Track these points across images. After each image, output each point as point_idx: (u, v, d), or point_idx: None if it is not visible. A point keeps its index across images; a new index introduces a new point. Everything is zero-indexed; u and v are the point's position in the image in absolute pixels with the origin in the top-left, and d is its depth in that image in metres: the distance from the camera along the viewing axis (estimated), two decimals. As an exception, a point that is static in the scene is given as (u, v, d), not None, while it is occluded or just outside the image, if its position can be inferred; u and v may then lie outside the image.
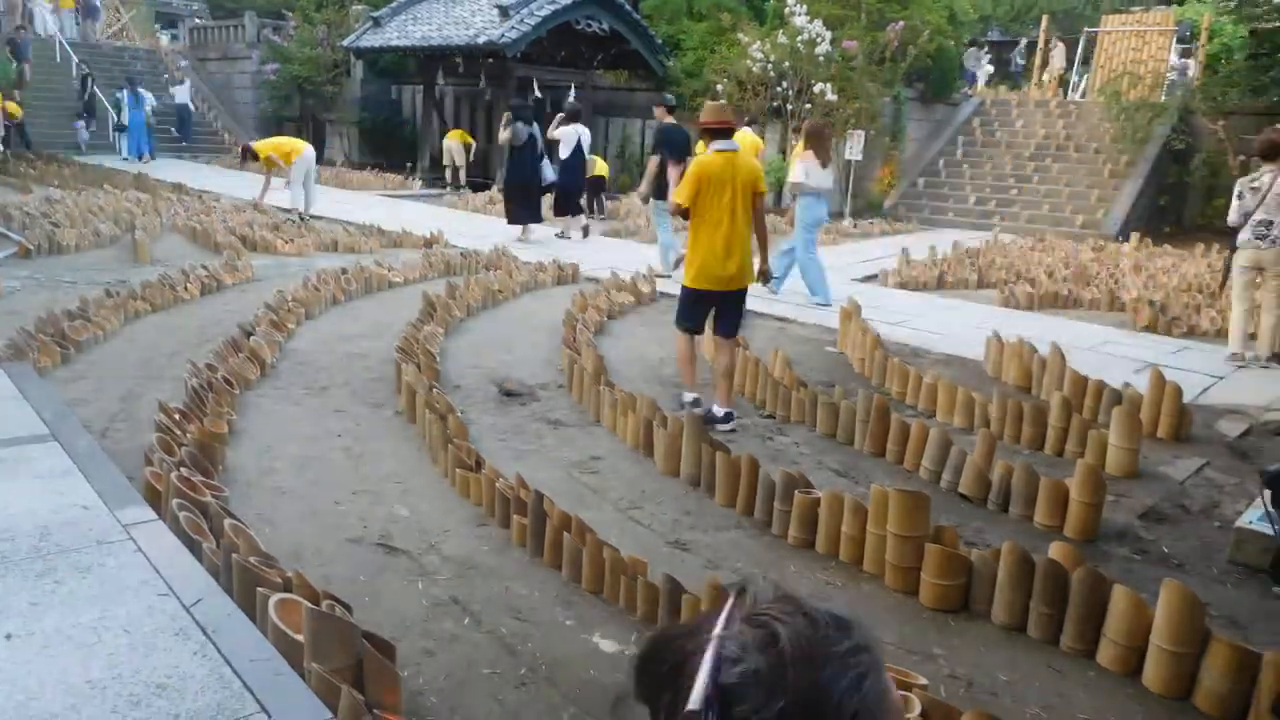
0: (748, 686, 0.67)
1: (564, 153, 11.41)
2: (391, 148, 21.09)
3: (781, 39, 15.87)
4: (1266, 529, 3.44)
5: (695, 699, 0.66)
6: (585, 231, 11.90)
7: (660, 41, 18.17)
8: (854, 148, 14.71)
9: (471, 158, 18.63)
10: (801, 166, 8.11)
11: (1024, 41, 22.02)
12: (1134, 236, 13.37)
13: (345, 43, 19.12)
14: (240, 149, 13.72)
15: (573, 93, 18.34)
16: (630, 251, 10.57)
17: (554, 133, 11.56)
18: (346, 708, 2.21)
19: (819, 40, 15.53)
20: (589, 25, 17.19)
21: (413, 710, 2.49)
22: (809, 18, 15.57)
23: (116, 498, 3.43)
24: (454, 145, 18.10)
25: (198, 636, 2.55)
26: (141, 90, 18.69)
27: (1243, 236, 6.49)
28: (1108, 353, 6.82)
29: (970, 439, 4.69)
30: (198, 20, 25.39)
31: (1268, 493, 3.38)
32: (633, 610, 3.04)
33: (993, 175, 16.71)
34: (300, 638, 2.45)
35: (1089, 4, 23.88)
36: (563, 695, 2.62)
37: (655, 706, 0.73)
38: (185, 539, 3.10)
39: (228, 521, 3.19)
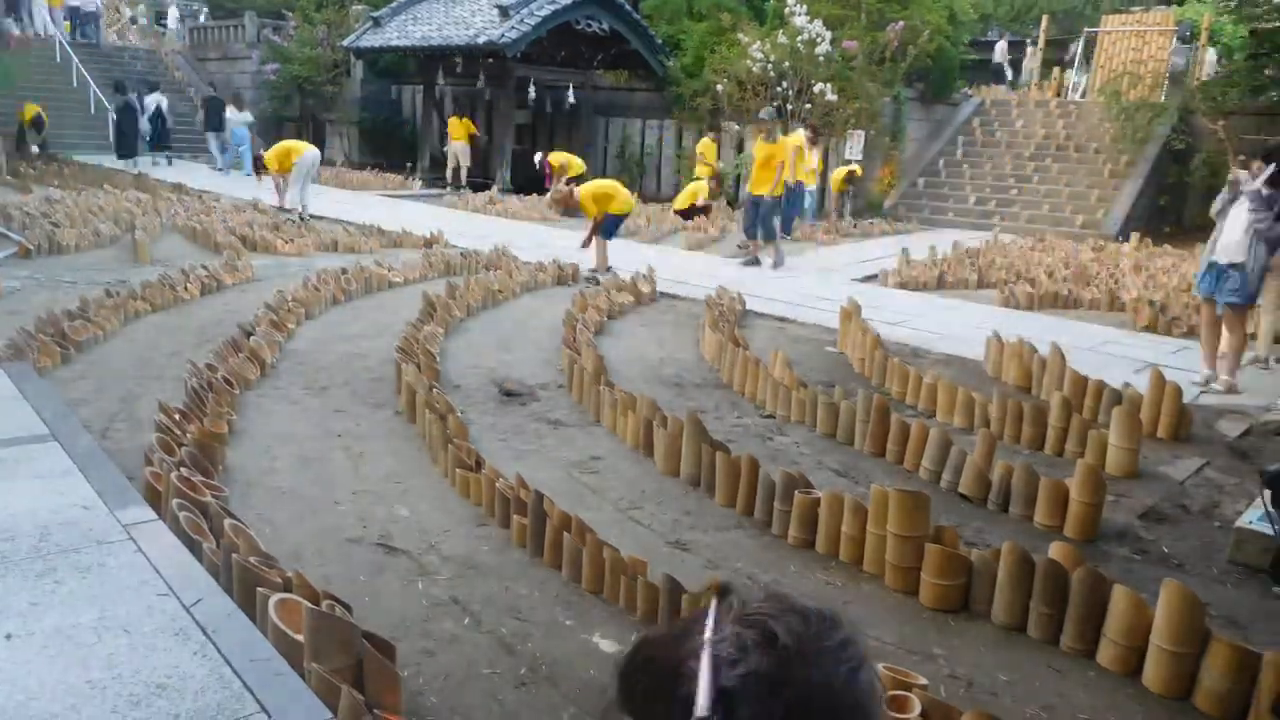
0: (749, 687, 0.66)
1: None
2: (391, 148, 21.09)
3: (781, 39, 15.87)
4: (1266, 529, 3.44)
5: (702, 705, 0.66)
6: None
7: (660, 41, 18.17)
8: (854, 148, 14.71)
9: (475, 146, 18.53)
10: None
11: (1007, 42, 22.00)
12: (1134, 236, 13.37)
13: (345, 43, 19.12)
14: (254, 161, 13.85)
15: (571, 93, 18.38)
16: (631, 252, 10.56)
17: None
18: (346, 708, 2.21)
19: (819, 40, 15.54)
20: (589, 25, 17.19)
21: (413, 710, 2.49)
22: (809, 18, 15.57)
23: (116, 498, 3.43)
24: (459, 146, 17.99)
25: (198, 636, 2.55)
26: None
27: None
28: (1108, 353, 6.82)
29: (970, 439, 4.69)
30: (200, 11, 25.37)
31: (1268, 493, 3.38)
32: (633, 610, 3.04)
33: (993, 175, 16.71)
34: (300, 638, 2.45)
35: (1089, 4, 23.87)
36: (563, 695, 2.62)
37: (640, 717, 0.72)
38: (185, 539, 3.10)
39: (228, 521, 3.19)
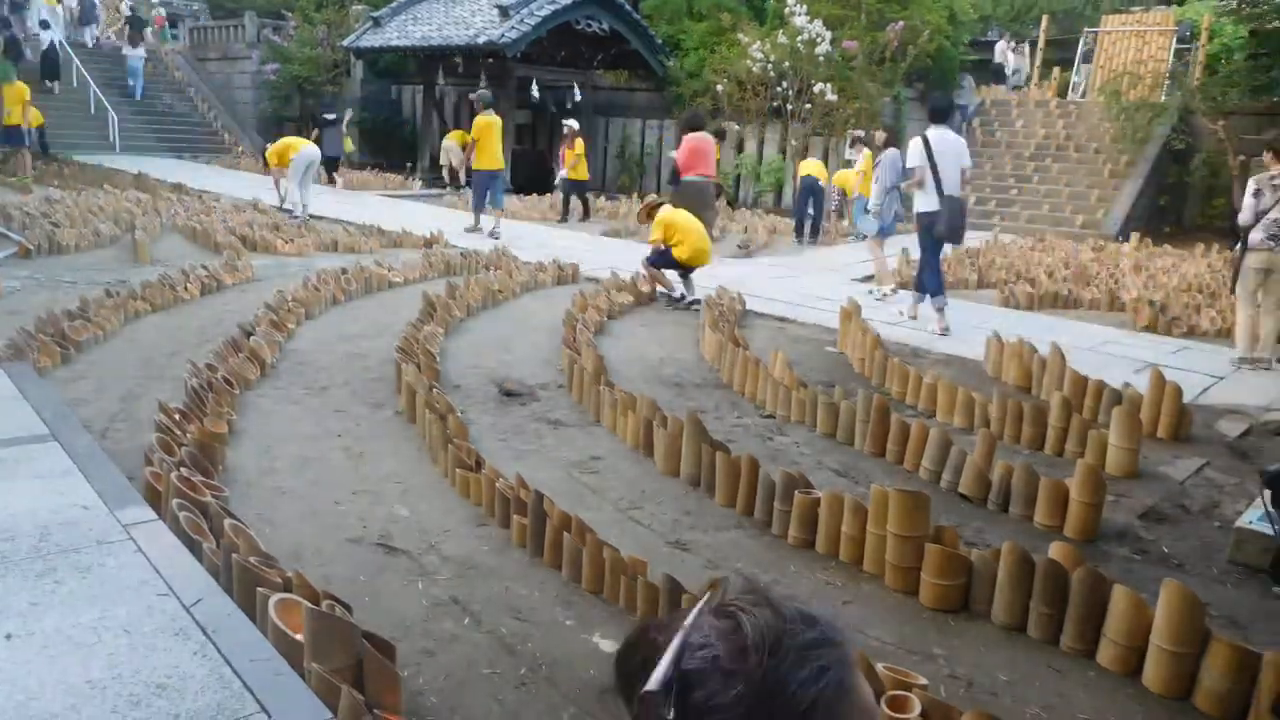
0: (706, 672, 0.68)
1: None
2: (391, 148, 21.10)
3: (781, 39, 15.88)
4: (1266, 529, 3.44)
5: (654, 680, 0.68)
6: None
7: (660, 41, 18.17)
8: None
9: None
10: None
11: (999, 42, 21.98)
12: (1134, 236, 13.38)
13: (345, 43, 19.13)
14: (263, 156, 14.15)
15: (576, 91, 18.37)
16: (631, 251, 10.56)
17: None
18: (346, 708, 2.21)
19: (819, 40, 15.55)
20: (589, 25, 17.20)
21: (413, 710, 2.49)
22: (809, 18, 15.59)
23: (116, 498, 3.43)
24: (451, 145, 17.82)
25: (198, 636, 2.55)
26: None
27: (1255, 237, 6.32)
28: (1108, 353, 6.82)
29: (970, 439, 4.69)
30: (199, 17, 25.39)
31: (1268, 493, 3.38)
32: (633, 610, 3.04)
33: (993, 175, 16.70)
34: (300, 638, 2.45)
35: (1089, 4, 23.87)
36: (563, 695, 2.62)
37: (630, 698, 0.74)
38: (185, 539, 3.10)
39: (228, 521, 3.19)
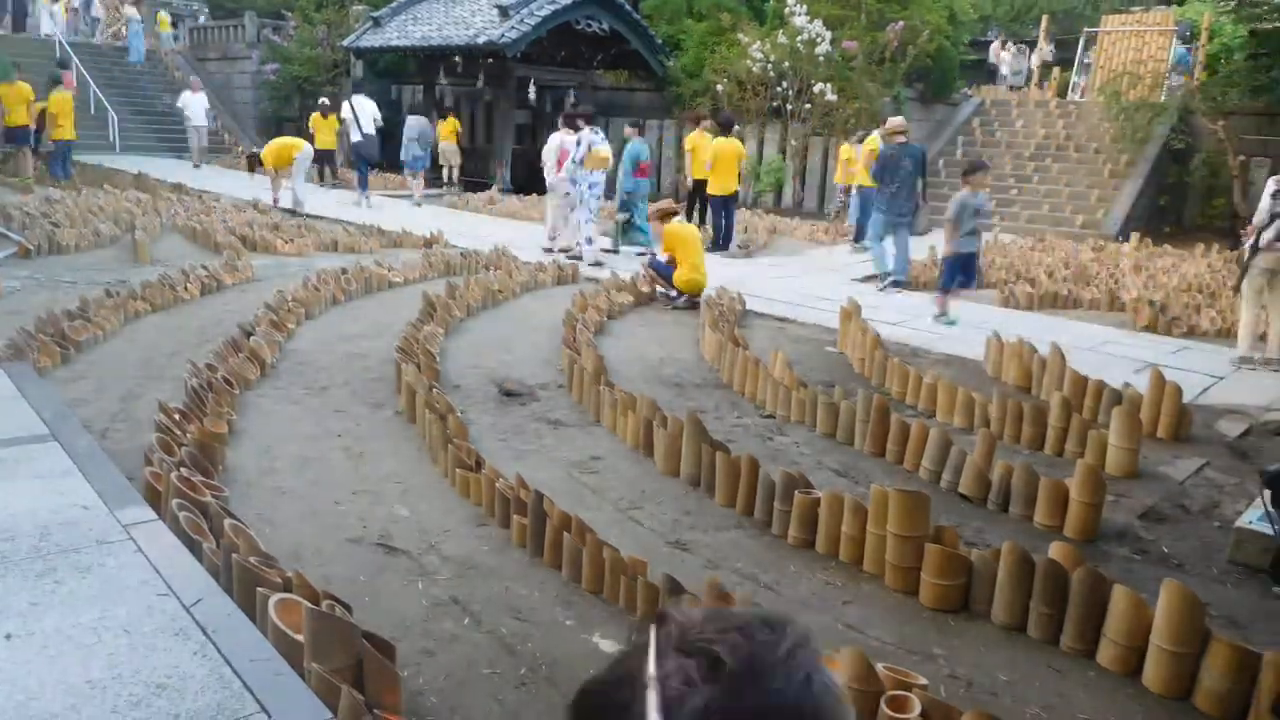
0: None
1: None
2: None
3: (781, 39, 15.88)
4: (1266, 529, 3.44)
5: None
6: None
7: (660, 41, 18.17)
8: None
9: (461, 145, 18.13)
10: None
11: (995, 42, 22.00)
12: (1134, 236, 13.37)
13: (345, 43, 19.13)
14: (247, 159, 14.17)
15: (572, 92, 18.36)
16: (630, 253, 10.57)
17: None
18: (346, 708, 2.21)
19: (819, 40, 15.55)
20: (589, 25, 17.20)
21: (413, 710, 2.49)
22: (809, 18, 15.59)
23: (116, 498, 3.43)
24: (449, 148, 17.65)
25: (198, 636, 2.55)
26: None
27: (1267, 237, 6.28)
28: (1108, 353, 6.82)
29: (970, 439, 4.69)
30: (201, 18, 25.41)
31: (1268, 493, 3.38)
32: (633, 610, 3.04)
33: (993, 175, 16.64)
34: (300, 638, 2.45)
35: (1089, 4, 23.88)
36: (563, 695, 2.62)
37: None
38: (185, 539, 3.10)
39: (228, 521, 3.19)
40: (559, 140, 10.38)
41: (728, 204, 11.57)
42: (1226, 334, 7.62)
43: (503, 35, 15.75)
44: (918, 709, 2.36)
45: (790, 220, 14.53)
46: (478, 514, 3.79)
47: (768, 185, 16.98)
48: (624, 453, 4.61)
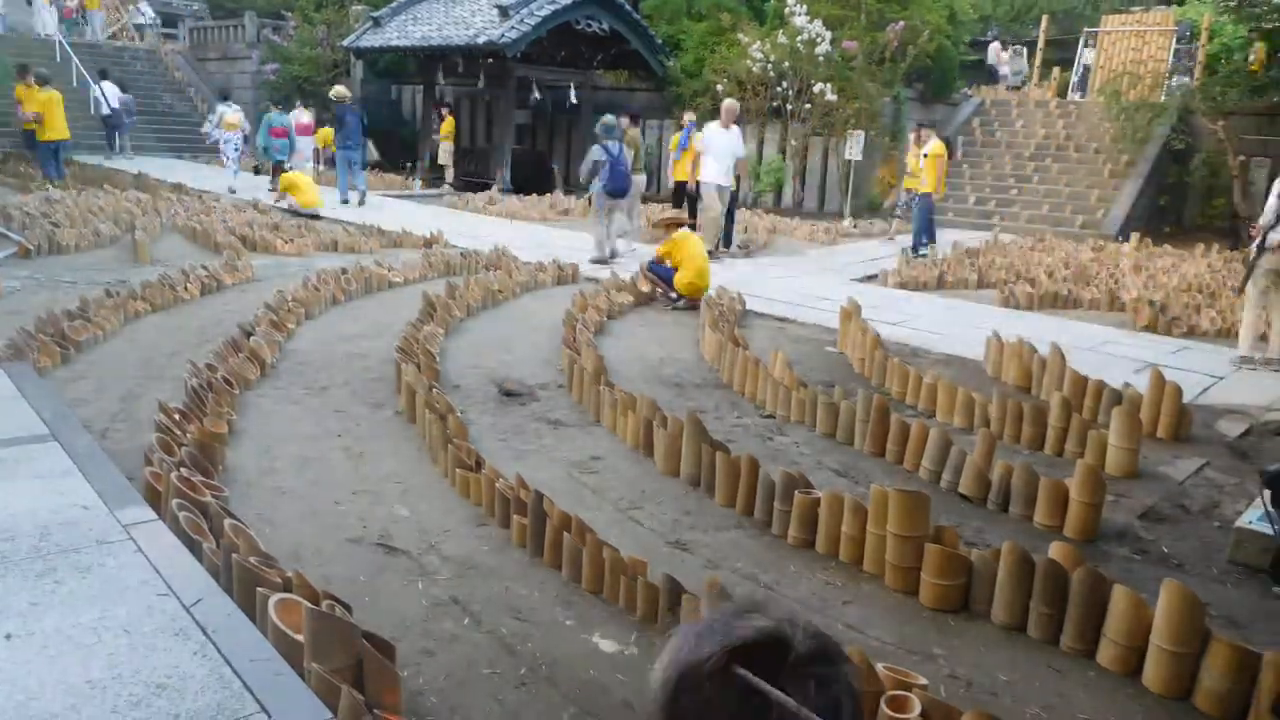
0: (841, 701, 0.74)
1: None
2: (391, 148, 21.09)
3: (781, 39, 15.88)
4: (1266, 529, 3.44)
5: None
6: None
7: (660, 41, 18.17)
8: (854, 148, 14.72)
9: (454, 149, 18.21)
10: None
11: (993, 43, 21.99)
12: (1134, 236, 13.37)
13: (345, 43, 19.12)
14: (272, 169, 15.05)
15: (572, 92, 18.36)
16: (630, 253, 10.57)
17: None
18: (346, 708, 2.21)
19: (819, 40, 15.55)
20: (589, 25, 17.19)
21: (413, 710, 2.49)
22: (809, 18, 15.58)
23: (116, 498, 3.43)
24: (446, 147, 17.86)
25: (198, 636, 2.55)
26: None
27: (1274, 238, 6.25)
28: (1108, 353, 6.82)
29: (970, 439, 4.69)
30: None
31: (1268, 493, 3.38)
32: (633, 610, 3.04)
33: (993, 175, 16.70)
34: (300, 638, 2.45)
35: (1089, 4, 23.88)
36: (563, 695, 2.62)
37: None
38: (185, 539, 3.10)
39: (228, 521, 3.19)
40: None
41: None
42: (1226, 334, 7.62)
43: (503, 35, 15.75)
44: (918, 709, 2.36)
45: (790, 220, 14.54)
46: (478, 514, 3.79)
47: (768, 185, 16.99)
48: (624, 453, 4.61)
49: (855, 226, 14.67)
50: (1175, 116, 15.46)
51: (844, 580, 3.40)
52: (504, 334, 6.89)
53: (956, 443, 4.34)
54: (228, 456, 4.18)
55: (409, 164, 19.89)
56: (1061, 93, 19.50)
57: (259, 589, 2.72)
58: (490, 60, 17.01)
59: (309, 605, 2.51)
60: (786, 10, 15.91)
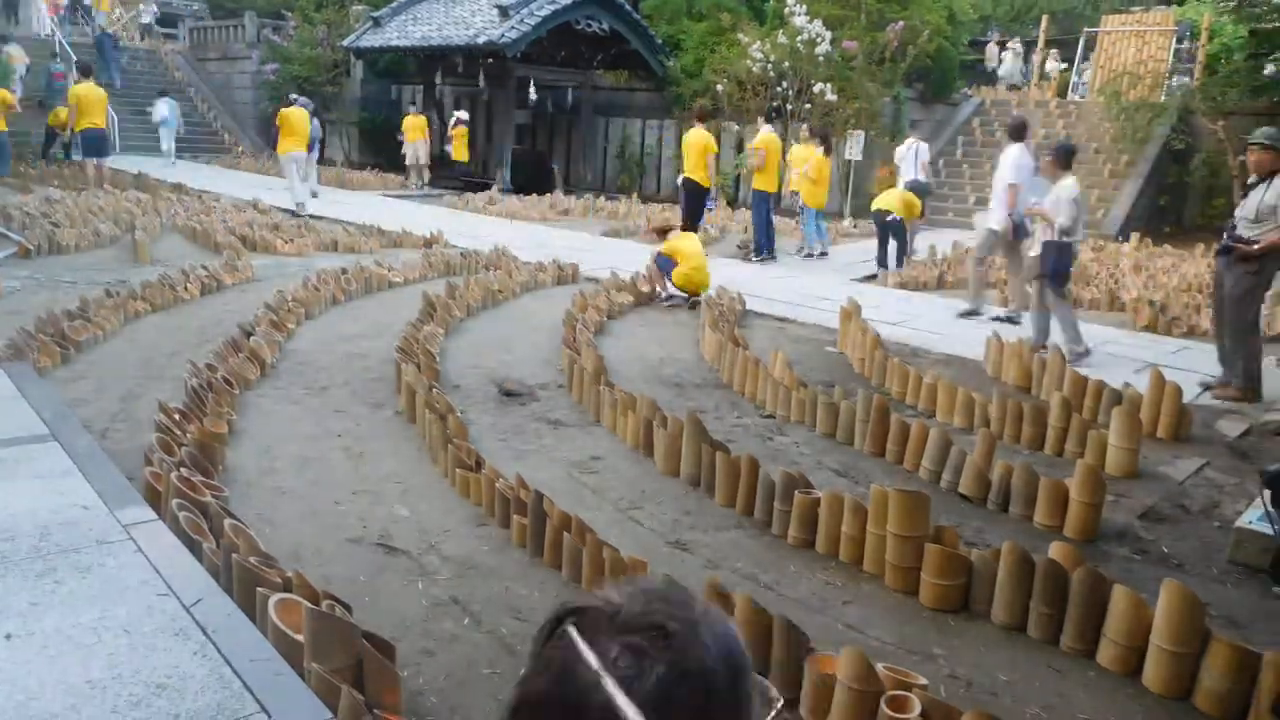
0: (667, 688, 0.65)
1: None
2: (391, 148, 21.08)
3: (781, 39, 15.87)
4: (1266, 529, 3.44)
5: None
6: None
7: (660, 41, 18.17)
8: (854, 148, 14.71)
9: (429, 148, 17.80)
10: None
11: (991, 43, 21.98)
12: (1134, 236, 13.37)
13: (345, 43, 19.13)
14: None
15: (571, 92, 18.34)
16: (630, 252, 10.57)
17: None
18: (346, 708, 2.21)
19: (819, 40, 15.54)
20: (589, 25, 17.20)
21: (413, 710, 2.49)
22: (809, 18, 15.57)
23: (116, 498, 3.43)
24: (421, 144, 17.42)
25: (198, 636, 2.55)
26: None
27: None
28: (1108, 353, 6.82)
29: (970, 439, 4.69)
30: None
31: (1268, 493, 3.38)
32: (633, 610, 3.03)
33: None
34: (300, 638, 2.45)
35: (1089, 4, 23.88)
36: (563, 695, 2.61)
37: None
38: (185, 539, 3.10)
39: (228, 521, 3.19)
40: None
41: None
42: (1226, 334, 7.61)
43: (503, 35, 15.75)
44: (918, 709, 2.36)
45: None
46: (478, 514, 3.79)
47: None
48: (624, 453, 4.61)
49: (855, 226, 14.67)
50: (1175, 116, 15.46)
51: (844, 580, 3.40)
52: (504, 334, 6.89)
53: (956, 443, 4.34)
54: (228, 456, 4.18)
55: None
56: (1061, 93, 19.50)
57: (259, 589, 2.72)
58: (490, 60, 17.01)
59: (309, 605, 2.51)
60: (786, 10, 15.91)
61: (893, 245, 10.45)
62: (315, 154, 16.07)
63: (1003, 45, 21.49)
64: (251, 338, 5.81)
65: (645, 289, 8.37)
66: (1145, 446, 4.63)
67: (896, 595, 3.29)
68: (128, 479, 3.66)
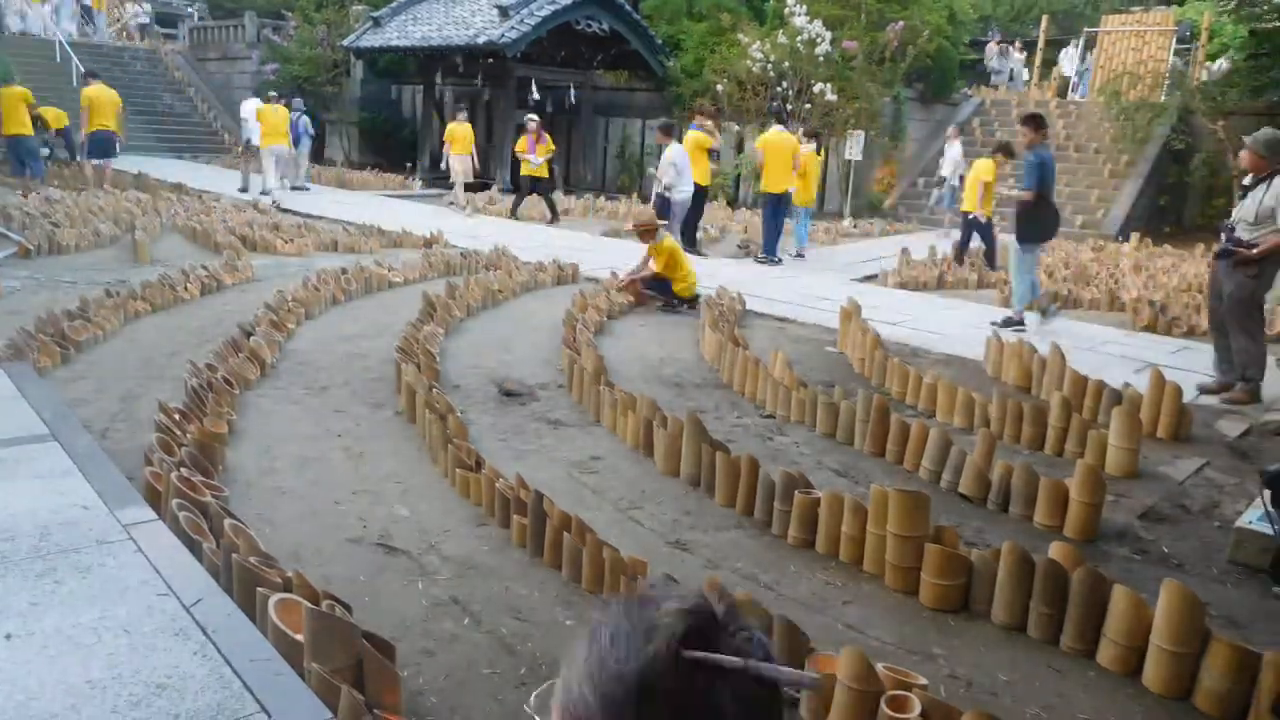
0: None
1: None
2: (391, 148, 21.10)
3: (781, 39, 15.88)
4: (1266, 529, 3.44)
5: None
6: None
7: (660, 41, 18.17)
8: (854, 148, 14.72)
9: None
10: None
11: (992, 42, 21.98)
12: (1134, 236, 13.38)
13: (345, 43, 19.13)
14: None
15: (571, 93, 18.33)
16: (630, 252, 10.56)
17: None
18: (346, 708, 2.21)
19: (819, 40, 15.55)
20: (589, 25, 17.20)
21: (413, 710, 2.49)
22: (809, 18, 15.58)
23: (116, 498, 3.43)
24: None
25: (198, 636, 2.55)
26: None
27: None
28: (1108, 353, 6.82)
29: (970, 439, 4.69)
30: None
31: (1268, 493, 3.38)
32: (633, 610, 3.03)
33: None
34: (300, 638, 2.45)
35: (1089, 4, 23.88)
36: (563, 695, 2.61)
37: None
38: (185, 539, 3.10)
39: (228, 521, 3.19)
40: None
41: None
42: (1226, 334, 7.61)
43: (503, 35, 15.75)
44: (918, 709, 2.36)
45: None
46: (478, 514, 3.79)
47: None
48: (624, 453, 4.61)
49: (855, 226, 14.67)
50: (1175, 116, 15.46)
51: (844, 580, 3.40)
52: (504, 334, 6.89)
53: (956, 443, 4.34)
54: (228, 456, 4.18)
55: (409, 164, 19.89)
56: (1061, 93, 19.50)
57: (259, 589, 2.72)
58: (490, 60, 17.01)
59: (309, 605, 2.51)
60: (786, 10, 15.91)
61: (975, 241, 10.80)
62: (305, 149, 16.38)
63: (1002, 47, 21.49)
64: (251, 338, 5.81)
65: (622, 296, 8.05)
66: (1145, 446, 4.63)
67: (896, 595, 3.29)
68: (128, 479, 3.66)
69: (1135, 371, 6.12)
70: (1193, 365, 6.54)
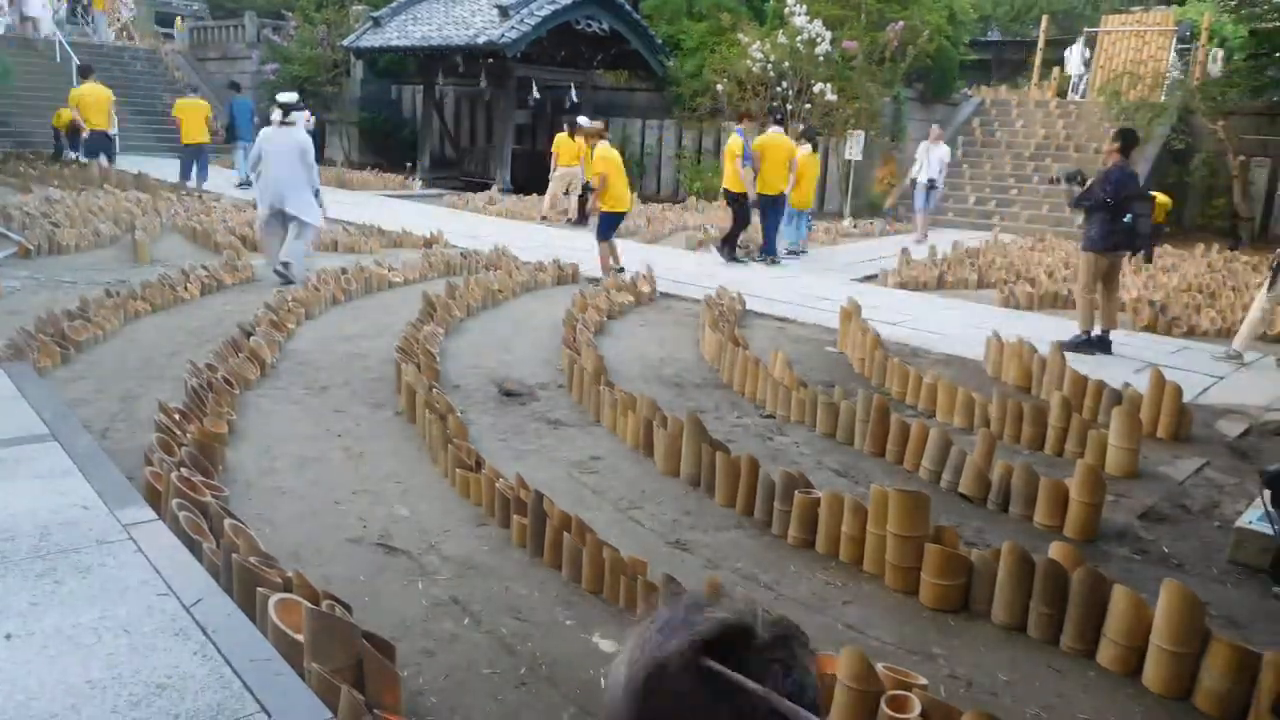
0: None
1: None
2: (391, 148, 21.09)
3: (781, 39, 15.87)
4: (1266, 529, 3.44)
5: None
6: None
7: (660, 41, 18.17)
8: (854, 148, 14.71)
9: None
10: None
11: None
12: (1134, 236, 13.34)
13: (345, 43, 19.12)
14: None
15: (573, 92, 18.33)
16: (631, 253, 10.56)
17: None
18: (346, 708, 2.21)
19: (819, 40, 15.54)
20: (589, 25, 17.19)
21: (413, 710, 2.49)
22: (809, 18, 15.57)
23: (116, 498, 3.43)
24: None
25: (198, 636, 2.55)
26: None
27: None
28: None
29: (970, 439, 4.69)
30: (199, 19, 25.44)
31: (1268, 493, 3.38)
32: (633, 610, 3.04)
33: (993, 175, 16.70)
34: (300, 638, 2.45)
35: (1089, 4, 23.88)
36: (563, 695, 2.62)
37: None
38: (185, 539, 3.10)
39: (228, 521, 3.19)
40: None
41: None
42: (1226, 334, 7.62)
43: (503, 35, 15.75)
44: (918, 709, 2.36)
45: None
46: (478, 514, 3.79)
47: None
48: (624, 453, 4.61)
49: (855, 226, 14.67)
50: (1175, 116, 15.46)
51: (844, 580, 3.40)
52: (504, 334, 6.89)
53: (956, 443, 4.34)
54: (228, 456, 4.18)
55: (409, 164, 19.88)
56: (1061, 93, 19.50)
57: (259, 589, 2.72)
58: (490, 60, 17.00)
59: (309, 605, 2.51)
60: (786, 10, 15.91)
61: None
62: None
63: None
64: (251, 338, 5.81)
65: (646, 289, 8.32)
66: (1145, 446, 4.63)
67: (896, 595, 3.29)
68: (128, 479, 3.66)
69: (1135, 371, 6.12)
70: (1193, 365, 6.54)
